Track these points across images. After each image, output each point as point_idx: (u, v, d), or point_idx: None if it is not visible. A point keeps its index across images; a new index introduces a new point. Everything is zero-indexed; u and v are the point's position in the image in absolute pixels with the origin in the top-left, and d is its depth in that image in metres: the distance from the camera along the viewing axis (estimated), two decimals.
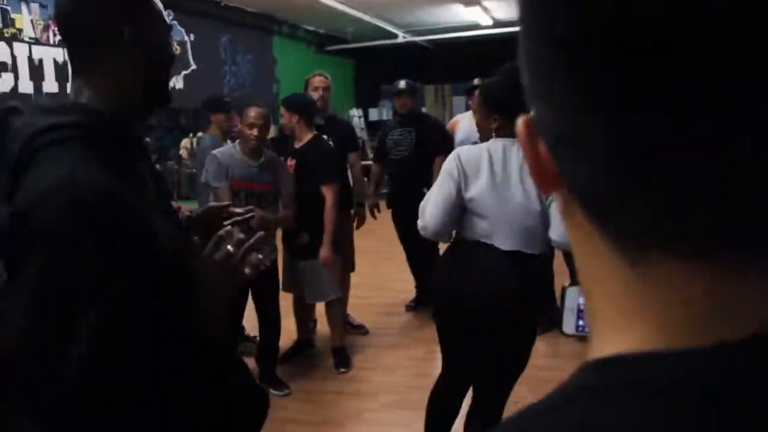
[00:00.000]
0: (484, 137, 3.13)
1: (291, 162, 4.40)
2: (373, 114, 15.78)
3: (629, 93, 0.33)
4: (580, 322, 0.67)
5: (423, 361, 4.93)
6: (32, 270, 1.06)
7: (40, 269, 1.07)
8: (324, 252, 4.30)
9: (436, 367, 4.75)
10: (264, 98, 11.89)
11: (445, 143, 5.40)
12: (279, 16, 12.33)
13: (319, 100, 4.86)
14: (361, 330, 5.28)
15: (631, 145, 0.34)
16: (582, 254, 0.42)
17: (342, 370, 4.61)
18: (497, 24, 14.68)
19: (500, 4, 12.98)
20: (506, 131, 2.75)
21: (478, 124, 3.39)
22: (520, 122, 0.43)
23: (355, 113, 15.35)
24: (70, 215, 1.07)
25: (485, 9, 13.33)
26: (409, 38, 15.02)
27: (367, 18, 12.30)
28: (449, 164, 2.78)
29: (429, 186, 5.24)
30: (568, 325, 0.67)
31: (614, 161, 0.35)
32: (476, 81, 5.66)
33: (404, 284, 5.89)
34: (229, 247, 1.35)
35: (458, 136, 5.57)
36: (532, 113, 0.42)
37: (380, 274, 6.59)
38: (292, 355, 4.74)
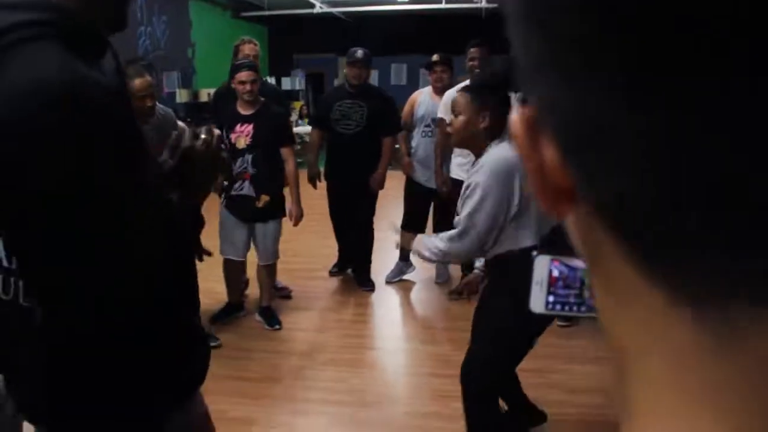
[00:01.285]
0: (472, 144, 2.80)
1: (245, 128, 4.42)
2: (286, 83, 15.66)
3: (698, 68, 0.22)
4: (550, 298, 0.64)
5: (351, 323, 5.05)
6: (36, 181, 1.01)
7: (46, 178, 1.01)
8: (295, 209, 4.63)
9: (365, 328, 4.93)
10: (178, 61, 11.63)
11: (397, 125, 5.49)
12: None
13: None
14: (284, 292, 5.33)
15: (701, 143, 0.23)
16: (611, 302, 0.31)
17: (276, 327, 4.69)
18: (414, 0, 14.84)
19: None
20: (498, 131, 2.62)
21: (462, 128, 2.74)
22: (515, 118, 0.32)
23: (269, 81, 15.20)
24: (73, 114, 1.01)
25: None
26: (327, 9, 14.94)
27: None
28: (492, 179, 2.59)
29: (376, 166, 5.34)
30: (537, 302, 0.64)
31: (672, 168, 0.24)
32: (435, 57, 5.50)
33: (328, 250, 5.96)
34: (203, 135, 1.42)
35: (419, 112, 5.52)
36: (531, 105, 0.31)
37: (304, 241, 6.65)
38: (225, 316, 4.75)
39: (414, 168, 5.56)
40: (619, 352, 0.31)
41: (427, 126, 5.46)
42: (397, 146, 5.69)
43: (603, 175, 0.26)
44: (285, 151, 4.49)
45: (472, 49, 5.23)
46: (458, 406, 3.59)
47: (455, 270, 5.66)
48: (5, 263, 1.26)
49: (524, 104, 0.32)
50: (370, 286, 5.59)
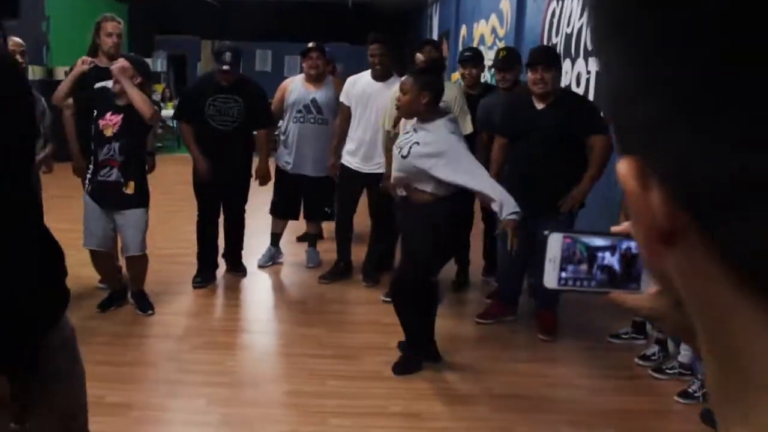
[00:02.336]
0: (409, 115, 3.82)
1: (114, 118, 4.31)
2: None
3: None
4: (563, 274, 0.73)
5: (225, 307, 5.08)
6: None
7: None
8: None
9: (239, 312, 4.97)
10: (32, 35, 10.97)
11: (270, 118, 5.47)
12: None
13: (113, 46, 4.77)
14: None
15: None
16: (723, 338, 0.32)
17: (150, 312, 4.63)
18: None
19: None
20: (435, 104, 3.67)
21: (406, 104, 3.72)
22: (624, 167, 0.33)
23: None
24: None
25: None
26: None
27: None
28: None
29: (251, 162, 5.28)
30: (550, 278, 0.73)
31: None
32: (311, 44, 5.47)
33: (191, 235, 5.80)
34: None
35: (290, 98, 5.51)
36: (637, 156, 0.32)
37: (173, 225, 6.55)
38: (110, 305, 4.61)
39: (278, 156, 5.65)
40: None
41: (299, 112, 5.51)
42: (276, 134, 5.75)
43: (744, 234, 0.27)
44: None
45: (372, 45, 5.25)
46: (335, 383, 3.76)
47: (325, 255, 5.78)
48: None
49: (628, 154, 0.33)
50: (242, 271, 5.61)
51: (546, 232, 0.84)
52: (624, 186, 0.33)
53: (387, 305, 4.72)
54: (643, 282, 0.88)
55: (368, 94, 5.23)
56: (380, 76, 5.24)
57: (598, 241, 0.87)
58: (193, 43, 17.29)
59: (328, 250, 5.83)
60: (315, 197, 5.71)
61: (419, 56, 5.15)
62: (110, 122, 4.30)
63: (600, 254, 0.86)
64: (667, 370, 4.00)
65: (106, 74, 4.42)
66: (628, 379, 4.03)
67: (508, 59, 5.00)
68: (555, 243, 0.86)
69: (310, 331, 4.49)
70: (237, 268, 5.59)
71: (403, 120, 4.26)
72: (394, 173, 3.85)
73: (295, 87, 5.57)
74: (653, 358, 4.16)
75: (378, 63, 5.21)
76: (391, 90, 5.02)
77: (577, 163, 4.32)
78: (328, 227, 6.11)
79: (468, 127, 4.80)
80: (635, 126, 0.31)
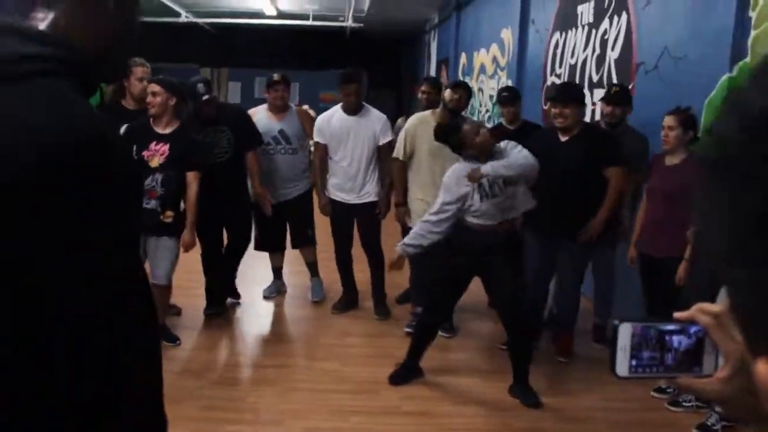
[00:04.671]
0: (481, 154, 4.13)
1: (160, 147, 4.35)
2: None
3: None
4: (633, 362, 0.78)
5: (240, 340, 5.10)
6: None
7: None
8: (188, 236, 4.52)
9: (254, 346, 4.99)
10: None
11: (258, 137, 5.40)
12: None
13: (143, 90, 4.69)
14: (174, 310, 5.28)
15: None
16: None
17: (177, 342, 4.72)
18: (281, 15, 14.91)
19: None
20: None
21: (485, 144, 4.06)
22: (764, 368, 0.37)
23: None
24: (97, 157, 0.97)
25: None
26: (192, 19, 14.70)
27: None
28: None
29: (247, 187, 5.33)
30: (621, 366, 0.77)
31: None
32: (276, 76, 5.53)
33: (197, 265, 5.76)
34: None
35: (258, 129, 5.42)
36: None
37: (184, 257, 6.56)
38: None
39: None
40: None
41: (268, 144, 5.54)
42: None
43: None
44: (191, 175, 4.44)
45: (350, 84, 5.31)
46: (358, 419, 3.78)
47: (330, 288, 5.81)
48: None
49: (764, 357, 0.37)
50: (236, 297, 5.66)
51: (616, 322, 0.89)
52: (763, 385, 0.37)
53: (402, 338, 4.79)
54: (706, 365, 0.91)
55: (347, 128, 5.35)
56: (354, 111, 5.37)
57: (665, 327, 0.90)
58: (193, 71, 17.39)
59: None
60: (297, 221, 5.73)
61: (448, 94, 5.22)
62: (156, 152, 4.32)
63: (668, 340, 0.90)
64: (684, 403, 4.04)
65: (134, 116, 4.49)
66: (645, 412, 4.06)
67: (620, 95, 4.92)
68: (625, 332, 0.90)
69: (328, 365, 4.52)
70: (231, 294, 5.62)
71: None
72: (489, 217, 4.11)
73: (260, 119, 5.56)
74: (669, 390, 4.20)
75: (353, 101, 5.33)
76: (366, 121, 5.34)
77: (596, 194, 4.46)
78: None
79: None
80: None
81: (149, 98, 4.34)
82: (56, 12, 1.07)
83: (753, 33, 4.09)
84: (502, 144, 4.16)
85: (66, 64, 1.04)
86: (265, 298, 5.87)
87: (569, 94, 4.60)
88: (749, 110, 0.36)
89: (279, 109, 5.59)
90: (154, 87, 4.38)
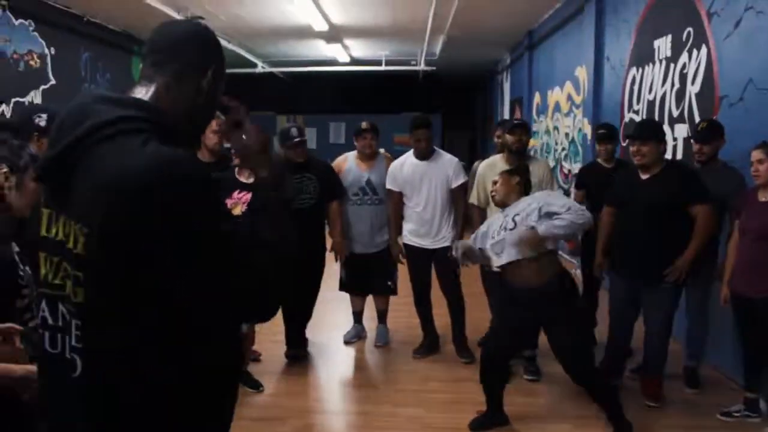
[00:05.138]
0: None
1: (242, 196, 4.45)
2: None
3: None
4: None
5: (321, 386, 5.11)
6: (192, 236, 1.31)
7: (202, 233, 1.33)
8: None
9: (335, 392, 4.99)
10: None
11: (342, 189, 5.56)
12: (140, 36, 12.06)
13: (217, 143, 4.84)
14: (254, 356, 5.34)
15: None
16: None
17: (261, 389, 4.77)
18: (354, 61, 15.20)
19: (358, 42, 13.49)
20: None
21: (503, 198, 4.21)
22: None
23: None
24: (198, 187, 1.35)
25: (345, 46, 13.78)
26: (268, 69, 15.14)
27: (229, 46, 12.33)
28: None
29: (325, 237, 5.43)
30: None
31: None
32: (364, 124, 5.66)
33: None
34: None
35: (347, 178, 5.59)
36: None
37: None
38: None
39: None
40: None
41: (355, 195, 5.60)
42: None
43: None
44: None
45: (420, 130, 5.36)
46: None
47: (411, 333, 5.76)
48: (50, 321, 1.45)
49: None
50: (304, 342, 5.64)
51: None
52: None
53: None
54: None
55: (419, 174, 5.37)
56: (425, 156, 5.39)
57: None
58: (269, 119, 17.88)
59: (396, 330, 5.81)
60: (377, 271, 5.72)
61: (508, 138, 5.16)
62: (239, 200, 4.41)
63: None
64: None
65: (210, 169, 4.61)
66: None
67: (707, 130, 4.77)
68: None
69: (411, 412, 4.47)
70: (299, 341, 5.60)
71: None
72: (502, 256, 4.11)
73: (350, 167, 5.66)
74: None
75: (423, 146, 5.37)
76: (438, 165, 5.37)
77: (681, 233, 4.33)
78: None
79: None
80: None
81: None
82: (156, 86, 1.50)
83: None
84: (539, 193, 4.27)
85: (155, 125, 1.40)
86: (346, 343, 5.89)
87: (647, 131, 4.50)
88: None
89: (367, 157, 5.65)
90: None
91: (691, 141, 5.00)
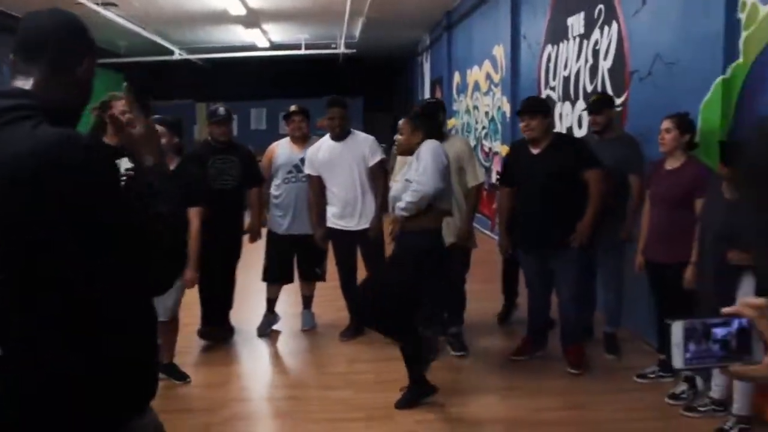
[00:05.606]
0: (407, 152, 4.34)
1: None
2: None
3: None
4: (688, 356, 0.90)
5: (247, 375, 5.06)
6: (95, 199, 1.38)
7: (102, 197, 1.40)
8: (190, 273, 4.49)
9: (261, 379, 4.95)
10: None
11: (261, 176, 5.64)
12: None
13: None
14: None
15: None
16: None
17: (188, 380, 4.68)
18: (273, 46, 15.01)
19: (277, 26, 13.32)
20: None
21: (405, 142, 4.32)
22: None
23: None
24: (92, 169, 1.41)
25: (263, 31, 13.59)
26: (186, 56, 14.79)
27: (145, 33, 11.98)
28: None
29: (243, 220, 5.44)
30: (677, 360, 0.89)
31: None
32: (293, 107, 5.69)
33: (192, 297, 5.80)
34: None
35: (278, 160, 5.63)
36: None
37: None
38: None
39: (269, 220, 5.73)
40: None
41: (289, 172, 5.64)
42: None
43: None
44: (192, 212, 4.42)
45: (333, 108, 5.38)
46: None
47: (325, 316, 5.76)
48: None
49: None
50: (229, 329, 5.65)
51: (668, 321, 1.00)
52: None
53: None
54: (756, 353, 1.03)
55: (336, 156, 5.38)
56: (341, 136, 5.40)
57: (711, 321, 1.01)
58: (188, 106, 17.50)
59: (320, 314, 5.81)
60: (308, 257, 5.73)
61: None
62: None
63: (716, 333, 1.01)
64: (700, 408, 3.99)
65: (116, 153, 4.48)
66: (662, 420, 4.00)
67: (599, 102, 5.03)
68: (677, 329, 1.01)
69: (340, 394, 4.48)
70: (223, 327, 5.60)
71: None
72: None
73: (282, 150, 5.72)
74: (683, 396, 4.16)
75: (337, 125, 5.37)
76: (354, 145, 5.38)
77: (579, 200, 4.54)
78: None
79: (480, 176, 5.10)
80: None
81: None
82: (34, 78, 1.54)
83: (744, 34, 4.09)
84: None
85: (39, 111, 1.46)
86: (261, 336, 5.73)
87: (534, 105, 4.71)
88: None
89: (299, 139, 5.66)
90: (159, 128, 4.36)
91: (585, 113, 5.22)
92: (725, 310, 1.00)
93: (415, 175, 4.12)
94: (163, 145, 4.33)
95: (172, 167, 4.42)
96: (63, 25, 1.62)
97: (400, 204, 4.17)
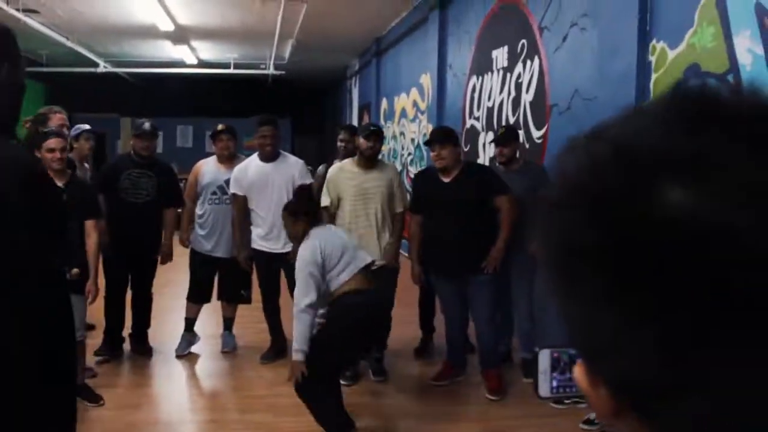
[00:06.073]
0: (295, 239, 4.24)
1: None
2: None
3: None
4: (554, 383, 0.88)
5: (163, 398, 4.97)
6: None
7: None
8: (92, 288, 4.40)
9: (179, 402, 4.86)
10: None
11: (180, 196, 5.65)
12: None
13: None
14: (90, 372, 5.04)
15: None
16: None
17: (101, 403, 4.52)
18: (202, 64, 14.88)
19: (206, 44, 13.23)
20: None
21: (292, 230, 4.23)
22: (579, 371, 0.51)
23: None
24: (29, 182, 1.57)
25: (192, 48, 13.47)
26: (111, 69, 14.49)
27: (68, 44, 11.69)
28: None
29: (160, 239, 5.41)
30: (543, 388, 0.87)
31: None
32: (220, 126, 5.59)
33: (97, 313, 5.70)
34: None
35: (204, 180, 5.56)
36: (585, 363, 0.50)
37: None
38: None
39: (193, 239, 5.68)
40: None
41: (214, 193, 5.59)
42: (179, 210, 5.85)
43: (667, 422, 0.44)
44: (89, 224, 4.39)
45: (264, 127, 5.39)
46: None
47: (246, 337, 5.71)
48: None
49: (582, 362, 0.50)
50: (148, 350, 5.55)
51: (537, 349, 0.99)
52: (579, 384, 0.51)
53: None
54: None
55: (264, 177, 5.33)
56: (271, 157, 5.39)
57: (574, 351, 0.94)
58: (112, 121, 17.13)
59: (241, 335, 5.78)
60: (231, 279, 5.67)
61: (362, 142, 5.18)
62: None
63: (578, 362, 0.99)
64: None
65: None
66: None
67: (506, 135, 5.17)
68: (544, 357, 0.99)
69: (260, 417, 4.43)
70: (143, 347, 5.52)
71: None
72: None
73: (208, 169, 5.65)
74: (596, 422, 4.29)
75: (269, 143, 5.36)
76: (284, 167, 5.36)
77: (489, 226, 4.70)
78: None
79: (406, 202, 5.21)
80: (587, 347, 0.49)
81: (54, 155, 4.22)
82: None
83: (654, 76, 4.32)
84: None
85: None
86: (179, 357, 5.61)
87: (445, 135, 4.83)
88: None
89: (226, 159, 5.60)
90: (60, 143, 4.30)
91: (491, 144, 5.41)
92: None
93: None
94: (61, 160, 4.32)
95: (64, 181, 4.32)
96: None
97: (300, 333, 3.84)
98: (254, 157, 5.46)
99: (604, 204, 0.43)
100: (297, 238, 4.17)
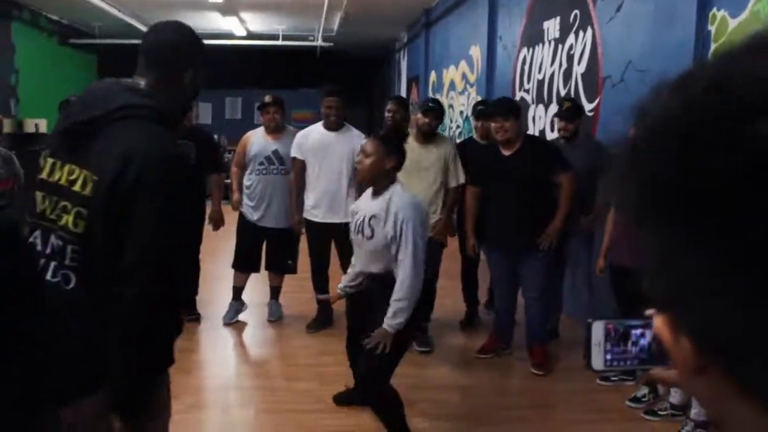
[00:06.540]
0: (378, 180, 3.50)
1: None
2: None
3: None
4: (608, 356, 0.84)
5: (212, 364, 5.05)
6: (153, 205, 1.77)
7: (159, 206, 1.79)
8: None
9: (226, 368, 4.95)
10: (1, 88, 10.93)
11: (222, 163, 5.74)
12: (20, 0, 11.41)
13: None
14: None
15: None
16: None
17: None
18: (251, 35, 14.91)
19: (255, 16, 13.23)
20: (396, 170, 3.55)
21: (372, 167, 3.45)
22: (660, 322, 0.48)
23: None
24: (171, 170, 1.84)
25: (241, 20, 13.50)
26: None
27: (120, 15, 11.83)
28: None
29: (205, 206, 5.46)
30: (597, 361, 0.84)
31: None
32: (267, 98, 5.60)
33: None
34: None
35: (251, 151, 5.60)
36: (669, 313, 0.47)
37: None
38: None
39: (243, 205, 5.70)
40: None
41: (261, 164, 5.60)
42: (227, 181, 5.94)
43: (756, 373, 0.40)
44: None
45: (329, 98, 5.36)
46: None
47: (292, 307, 5.77)
48: (39, 248, 1.85)
49: (662, 312, 0.48)
50: (197, 318, 5.65)
51: (589, 320, 0.96)
52: (660, 335, 0.48)
53: None
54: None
55: (325, 145, 5.33)
56: (335, 127, 5.37)
57: (632, 323, 0.96)
58: None
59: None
60: (278, 249, 5.72)
61: (420, 118, 5.13)
62: None
63: (633, 334, 0.96)
64: (659, 412, 4.07)
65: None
66: (621, 422, 4.08)
67: (571, 110, 5.08)
68: (598, 329, 0.96)
69: (306, 386, 4.49)
70: (191, 314, 5.59)
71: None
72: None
73: (256, 139, 5.68)
74: (644, 399, 4.24)
75: (334, 114, 5.35)
76: (346, 138, 5.32)
77: (549, 202, 4.62)
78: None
79: (461, 177, 5.13)
80: (669, 293, 0.46)
81: None
82: (148, 80, 1.96)
83: (713, 46, 4.18)
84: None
85: (155, 111, 1.89)
86: (227, 324, 5.69)
87: (508, 107, 4.72)
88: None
89: (273, 130, 5.62)
90: None
91: (556, 119, 5.28)
92: (649, 311, 1.00)
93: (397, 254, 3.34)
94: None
95: None
96: (177, 44, 2.03)
97: (394, 321, 3.29)
98: (318, 125, 5.46)
99: (698, 137, 0.40)
100: (377, 176, 3.46)
